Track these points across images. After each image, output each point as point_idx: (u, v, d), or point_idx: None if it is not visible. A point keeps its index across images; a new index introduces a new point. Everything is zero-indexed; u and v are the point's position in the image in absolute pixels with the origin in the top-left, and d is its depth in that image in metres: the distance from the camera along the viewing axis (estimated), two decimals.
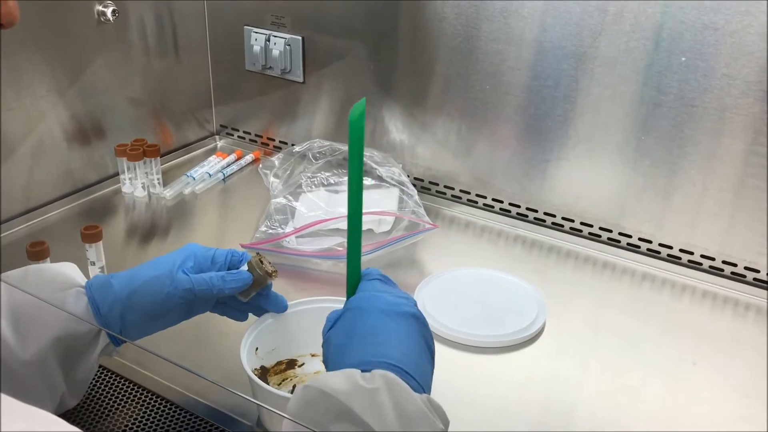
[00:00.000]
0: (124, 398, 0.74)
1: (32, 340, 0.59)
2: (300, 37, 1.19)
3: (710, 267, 0.98)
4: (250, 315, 0.73)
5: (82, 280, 0.65)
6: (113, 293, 0.63)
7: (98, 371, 0.76)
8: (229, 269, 0.68)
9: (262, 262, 0.68)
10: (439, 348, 0.82)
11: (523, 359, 0.82)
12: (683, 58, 0.89)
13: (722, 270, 0.97)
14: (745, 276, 0.95)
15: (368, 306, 0.57)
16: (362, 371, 0.51)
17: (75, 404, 0.67)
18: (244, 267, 0.68)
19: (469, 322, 0.85)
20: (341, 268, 0.98)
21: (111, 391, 0.75)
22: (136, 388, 0.75)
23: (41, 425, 0.36)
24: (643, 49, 0.92)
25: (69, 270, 0.66)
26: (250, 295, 0.69)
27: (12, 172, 1.03)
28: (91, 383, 0.75)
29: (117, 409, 0.73)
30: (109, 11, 1.08)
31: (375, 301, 0.57)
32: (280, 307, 0.71)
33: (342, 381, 0.49)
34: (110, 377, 0.76)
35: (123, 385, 0.75)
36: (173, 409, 0.73)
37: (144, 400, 0.74)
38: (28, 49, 1.00)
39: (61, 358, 0.61)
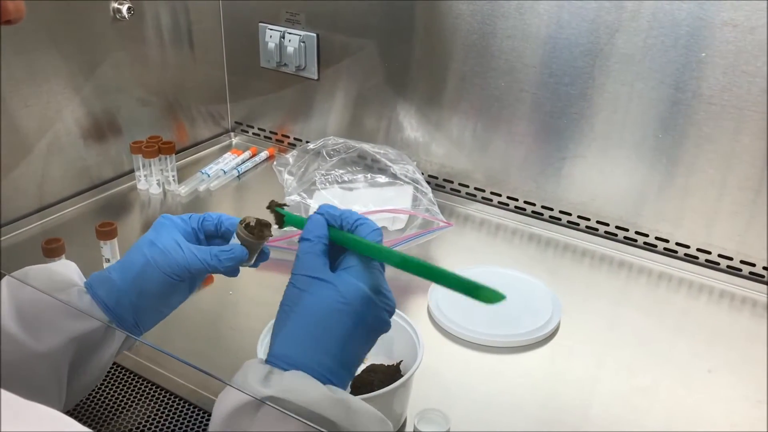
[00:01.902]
0: (138, 395, 0.74)
1: (46, 335, 0.60)
2: (315, 34, 1.18)
3: (728, 267, 0.96)
4: (260, 315, 0.72)
5: (80, 279, 0.65)
6: (115, 285, 0.63)
7: (111, 368, 0.77)
8: (218, 233, 0.67)
9: (248, 229, 0.65)
10: (453, 348, 0.83)
11: (537, 359, 0.82)
12: (703, 54, 0.88)
13: (740, 270, 0.96)
14: (763, 276, 0.94)
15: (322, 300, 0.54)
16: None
17: (81, 399, 0.67)
18: (236, 240, 0.66)
19: (483, 321, 0.84)
20: None
21: (124, 387, 0.75)
22: (149, 385, 0.75)
23: (48, 425, 0.36)
24: (661, 46, 0.91)
25: (67, 270, 0.65)
26: (252, 261, 0.67)
27: (29, 169, 1.03)
28: (105, 380, 0.75)
29: (130, 405, 0.73)
30: (124, 8, 1.09)
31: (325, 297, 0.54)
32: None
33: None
34: (124, 374, 0.76)
35: (136, 382, 0.76)
36: (186, 406, 0.73)
37: (157, 397, 0.74)
38: (45, 46, 1.01)
39: (73, 355, 0.61)
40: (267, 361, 0.54)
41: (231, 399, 0.52)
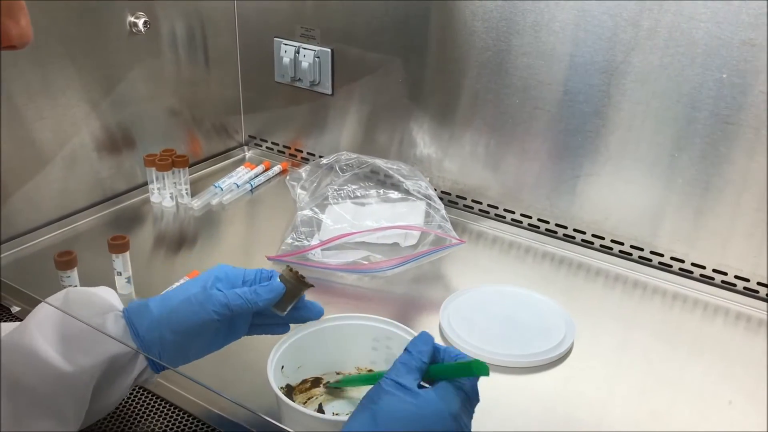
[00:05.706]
0: (149, 412, 0.74)
1: (78, 356, 0.60)
2: (329, 50, 1.19)
3: (744, 288, 0.95)
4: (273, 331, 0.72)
5: (119, 304, 0.66)
6: (150, 315, 0.63)
7: None
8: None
9: (293, 272, 0.68)
10: None
11: (550, 380, 0.81)
12: (723, 75, 0.87)
13: (757, 291, 0.94)
14: None
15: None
16: None
17: (96, 420, 0.67)
18: (276, 279, 0.68)
19: (495, 340, 0.84)
20: (366, 282, 0.98)
21: (135, 404, 0.75)
22: (160, 401, 0.75)
23: None
24: (678, 65, 0.90)
25: (107, 294, 0.67)
26: (287, 309, 0.68)
27: (44, 181, 1.04)
28: None
29: (141, 422, 0.72)
30: (140, 22, 1.10)
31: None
32: (315, 313, 0.71)
33: None
34: (135, 391, 0.76)
35: (148, 398, 0.75)
36: (198, 424, 0.72)
37: (169, 414, 0.74)
38: (61, 59, 1.02)
39: (100, 376, 0.61)
40: None
41: None
